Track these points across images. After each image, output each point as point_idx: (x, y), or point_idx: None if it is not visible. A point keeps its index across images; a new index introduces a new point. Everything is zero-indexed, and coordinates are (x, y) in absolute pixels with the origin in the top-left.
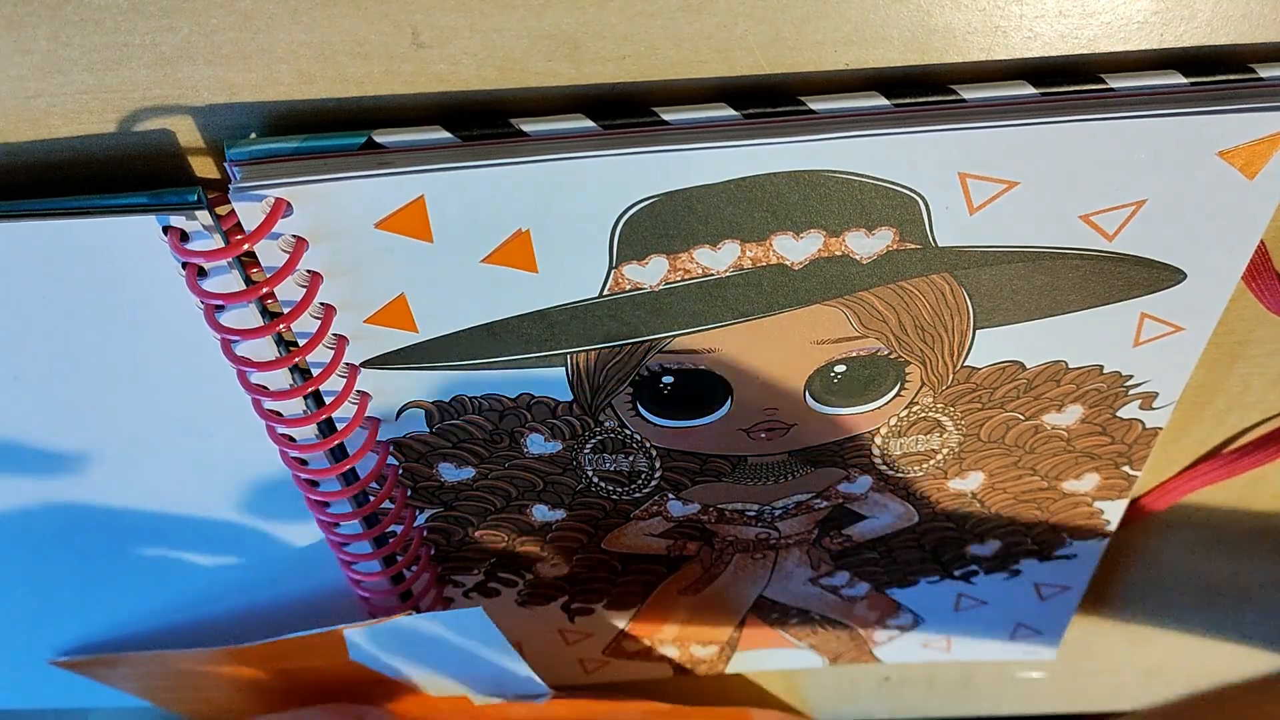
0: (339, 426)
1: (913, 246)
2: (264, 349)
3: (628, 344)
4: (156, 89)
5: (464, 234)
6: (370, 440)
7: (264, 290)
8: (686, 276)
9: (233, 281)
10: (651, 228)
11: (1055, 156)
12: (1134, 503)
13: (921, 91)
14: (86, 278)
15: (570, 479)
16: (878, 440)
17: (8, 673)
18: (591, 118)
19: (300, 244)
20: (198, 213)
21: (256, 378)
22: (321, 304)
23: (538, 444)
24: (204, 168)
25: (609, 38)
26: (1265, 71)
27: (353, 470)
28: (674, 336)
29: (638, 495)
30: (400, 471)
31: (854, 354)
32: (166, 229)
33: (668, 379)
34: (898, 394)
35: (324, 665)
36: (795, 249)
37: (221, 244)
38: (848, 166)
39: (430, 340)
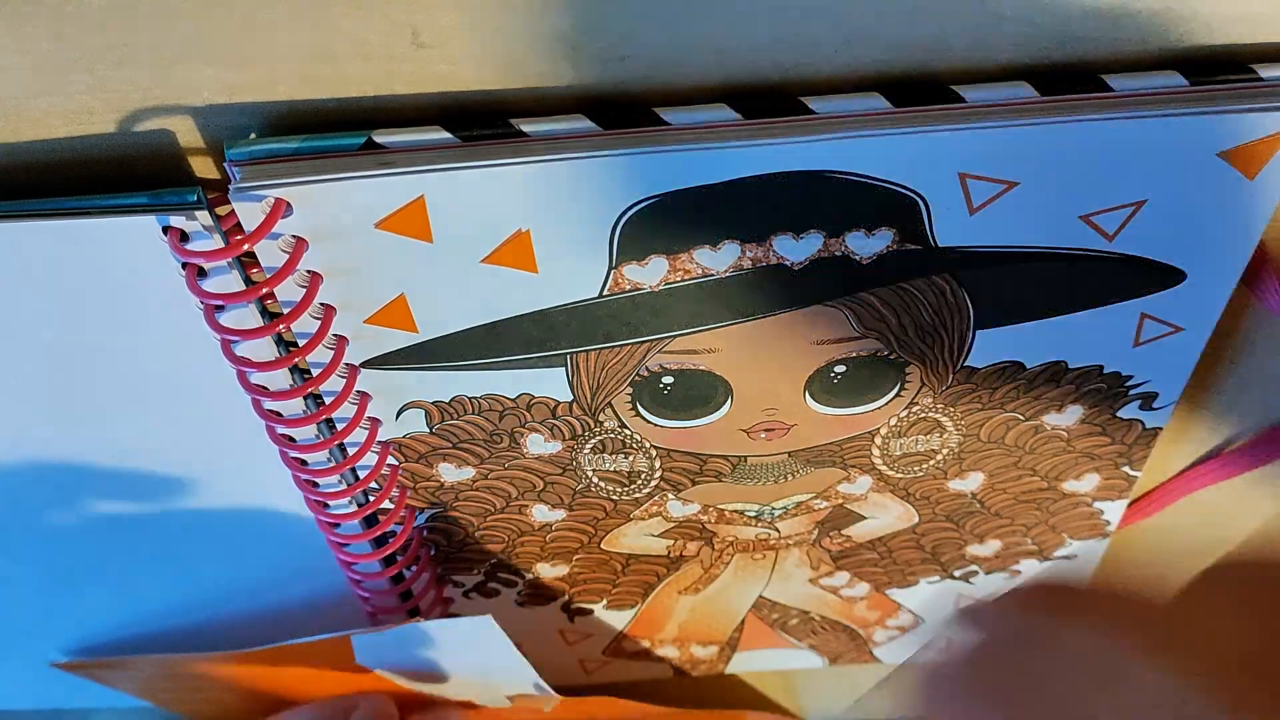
0: (339, 426)
1: (913, 247)
2: (264, 349)
3: (628, 344)
4: (156, 89)
5: (464, 234)
6: (370, 440)
7: (264, 290)
8: (686, 277)
9: (233, 282)
10: (651, 228)
11: (1055, 157)
12: (1134, 503)
13: (922, 92)
14: (86, 278)
15: (570, 479)
16: (877, 441)
17: (10, 673)
18: (591, 118)
19: (300, 244)
20: (198, 213)
21: (256, 378)
22: (321, 304)
23: (538, 444)
24: (204, 168)
25: (609, 38)
26: (1265, 72)
27: (353, 470)
28: (674, 336)
29: (638, 495)
30: (400, 471)
31: (854, 354)
32: (166, 229)
33: (668, 379)
34: (897, 394)
35: (328, 670)
36: (795, 249)
37: (221, 244)
38: (848, 167)
39: (430, 340)
